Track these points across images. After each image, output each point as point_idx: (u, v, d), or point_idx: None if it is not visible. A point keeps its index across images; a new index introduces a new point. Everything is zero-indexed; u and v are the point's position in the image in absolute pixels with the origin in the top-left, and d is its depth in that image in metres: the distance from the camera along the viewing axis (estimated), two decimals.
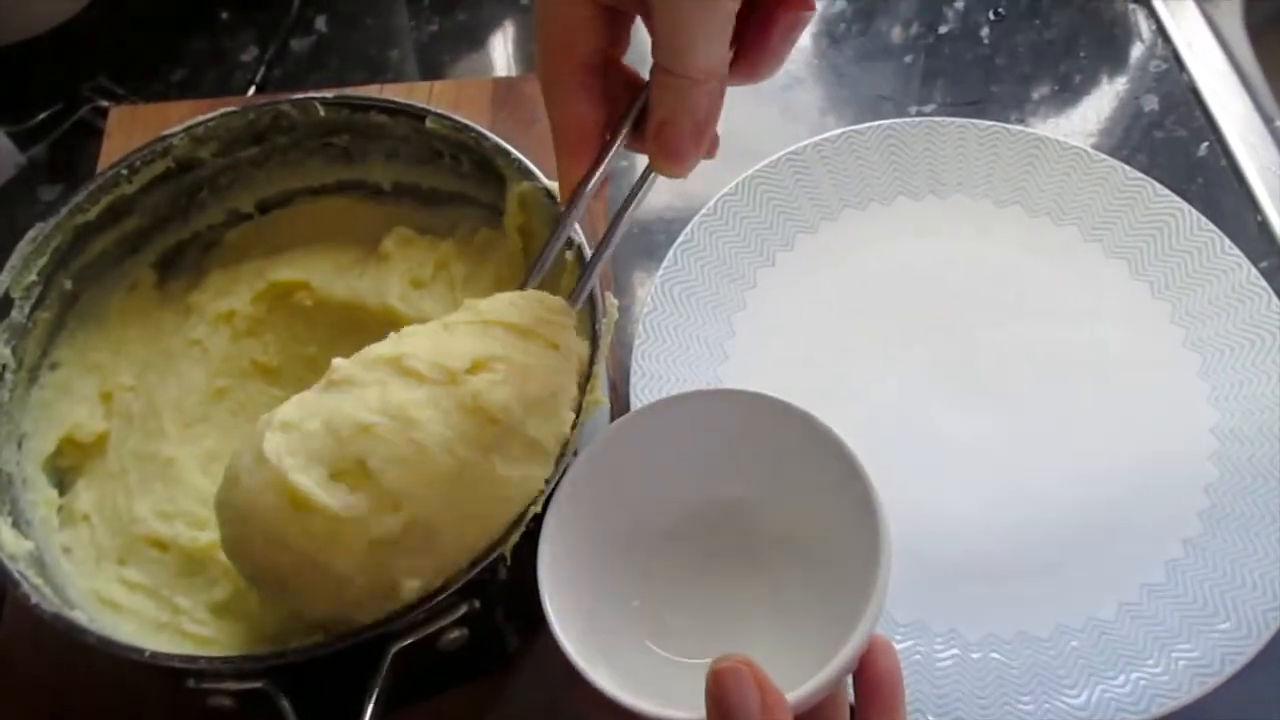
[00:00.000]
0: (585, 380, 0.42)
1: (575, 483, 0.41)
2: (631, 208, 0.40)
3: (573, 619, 0.38)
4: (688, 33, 0.34)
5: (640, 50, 0.37)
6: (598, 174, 0.39)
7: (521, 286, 0.43)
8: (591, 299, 0.45)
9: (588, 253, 0.46)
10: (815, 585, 0.41)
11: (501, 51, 0.78)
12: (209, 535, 0.48)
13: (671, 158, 0.38)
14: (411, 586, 0.38)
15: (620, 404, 0.57)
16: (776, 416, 0.42)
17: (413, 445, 0.38)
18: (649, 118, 0.37)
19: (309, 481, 0.38)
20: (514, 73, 0.76)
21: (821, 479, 0.41)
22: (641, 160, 0.39)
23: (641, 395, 0.56)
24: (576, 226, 0.48)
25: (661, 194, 0.68)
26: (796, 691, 0.34)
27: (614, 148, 0.39)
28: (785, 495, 0.43)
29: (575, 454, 0.41)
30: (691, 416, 0.43)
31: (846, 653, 0.35)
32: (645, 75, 0.39)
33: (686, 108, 0.36)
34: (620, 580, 0.43)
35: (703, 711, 0.34)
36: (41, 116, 0.71)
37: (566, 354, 0.41)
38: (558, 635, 0.37)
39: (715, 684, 0.33)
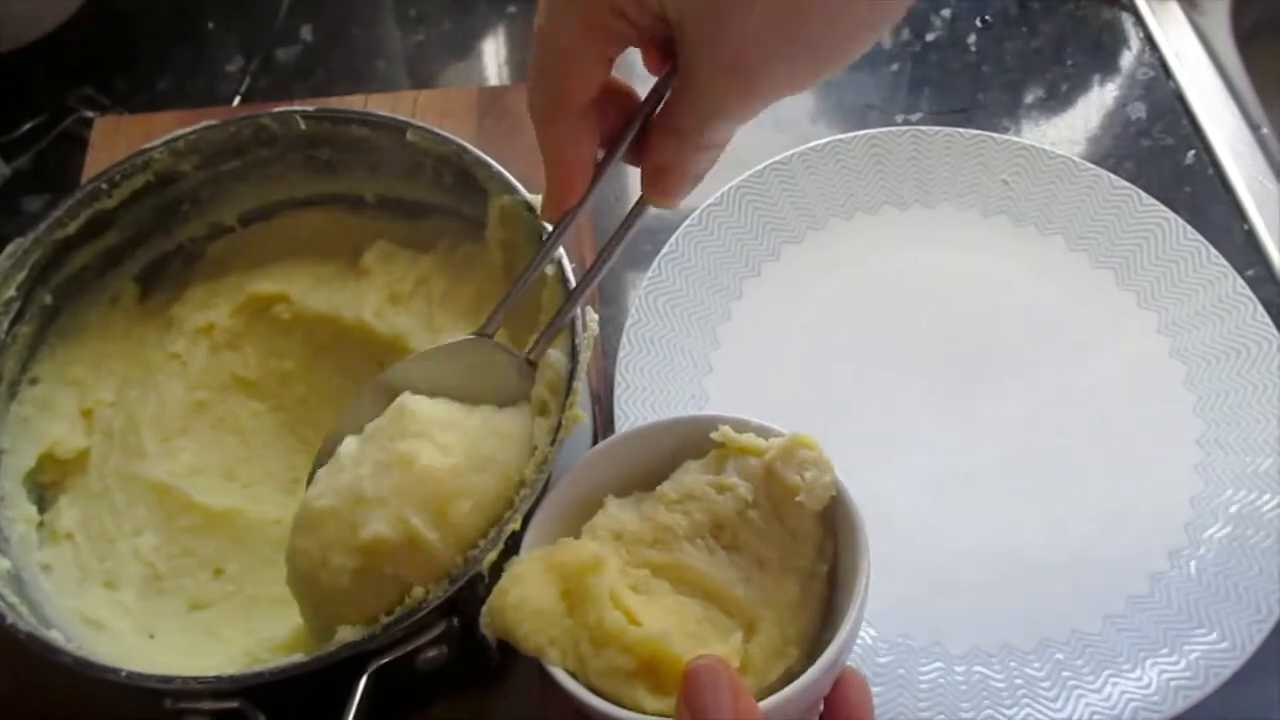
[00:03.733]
0: (565, 396, 0.42)
1: (554, 501, 0.41)
2: (625, 237, 0.39)
3: None
4: (722, 114, 0.34)
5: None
6: (589, 198, 0.39)
7: (501, 305, 0.42)
8: None
9: (568, 267, 0.45)
10: None
11: (490, 60, 0.77)
12: (195, 550, 0.48)
13: (666, 197, 0.38)
14: None
15: (604, 416, 0.57)
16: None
17: None
18: (647, 159, 0.37)
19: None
20: (504, 80, 0.76)
21: None
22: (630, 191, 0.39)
23: (625, 408, 0.55)
24: None
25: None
26: (768, 700, 0.33)
27: (605, 174, 0.38)
28: None
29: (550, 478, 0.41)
30: (665, 439, 0.42)
31: (823, 662, 0.34)
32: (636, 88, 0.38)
33: (689, 165, 0.36)
34: None
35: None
36: (27, 127, 0.71)
37: None
38: None
39: (688, 684, 0.31)
